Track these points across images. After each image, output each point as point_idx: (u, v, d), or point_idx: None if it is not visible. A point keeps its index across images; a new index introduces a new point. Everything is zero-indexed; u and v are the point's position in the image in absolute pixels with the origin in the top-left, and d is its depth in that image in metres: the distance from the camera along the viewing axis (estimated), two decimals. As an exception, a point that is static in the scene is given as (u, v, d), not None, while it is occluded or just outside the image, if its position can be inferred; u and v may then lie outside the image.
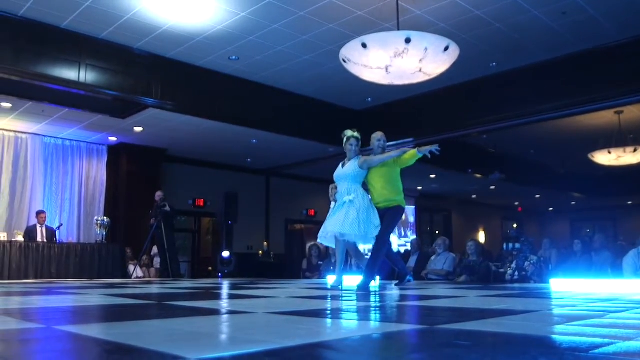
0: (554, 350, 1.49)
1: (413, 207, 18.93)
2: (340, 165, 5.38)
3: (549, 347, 1.55)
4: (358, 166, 5.18)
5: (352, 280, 5.49)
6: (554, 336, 1.79)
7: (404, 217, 18.59)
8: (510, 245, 18.22)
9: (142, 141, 11.52)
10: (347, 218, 4.97)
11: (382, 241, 5.13)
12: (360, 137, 5.35)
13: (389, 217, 5.15)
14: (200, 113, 9.50)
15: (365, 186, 5.29)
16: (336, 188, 5.34)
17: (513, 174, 14.98)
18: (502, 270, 8.25)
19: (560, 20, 7.41)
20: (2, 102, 9.00)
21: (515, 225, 23.57)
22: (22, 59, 7.51)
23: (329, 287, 5.18)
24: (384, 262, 5.55)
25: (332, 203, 5.33)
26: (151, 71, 8.63)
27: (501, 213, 22.58)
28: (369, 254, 5.38)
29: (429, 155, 4.96)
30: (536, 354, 1.38)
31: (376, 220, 5.06)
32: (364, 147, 5.55)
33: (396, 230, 18.20)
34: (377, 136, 5.40)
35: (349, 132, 5.34)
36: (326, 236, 5.21)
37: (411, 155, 5.08)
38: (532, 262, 7.53)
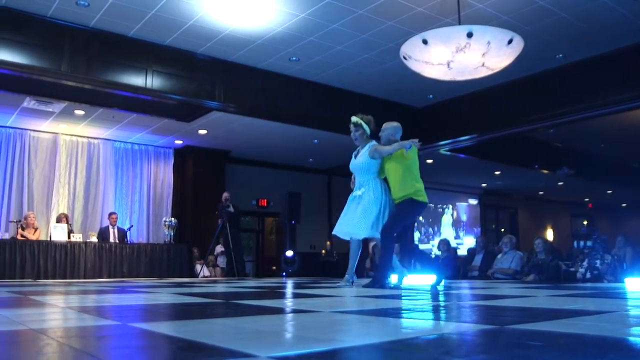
0: (634, 353, 1.42)
1: (465, 204, 18.42)
2: (353, 155, 5.29)
3: (628, 350, 1.49)
4: (369, 156, 5.06)
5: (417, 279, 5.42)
6: (632, 338, 1.71)
7: (454, 215, 18.09)
8: (581, 243, 17.59)
9: (206, 143, 11.83)
10: (354, 216, 5.00)
11: (384, 235, 4.92)
12: (360, 122, 5.22)
13: (396, 211, 4.96)
14: (262, 114, 9.65)
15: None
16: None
17: (582, 169, 14.42)
18: (572, 269, 7.97)
19: (631, 7, 7.07)
20: (76, 110, 9.45)
21: (586, 223, 22.68)
22: (94, 68, 7.86)
23: (391, 286, 5.13)
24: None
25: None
26: (214, 75, 8.84)
27: (570, 210, 21.76)
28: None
29: (417, 147, 4.81)
30: (614, 356, 1.32)
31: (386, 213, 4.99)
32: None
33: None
34: (385, 126, 5.23)
35: (353, 118, 5.28)
36: (340, 232, 5.25)
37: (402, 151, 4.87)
38: (605, 260, 7.23)
